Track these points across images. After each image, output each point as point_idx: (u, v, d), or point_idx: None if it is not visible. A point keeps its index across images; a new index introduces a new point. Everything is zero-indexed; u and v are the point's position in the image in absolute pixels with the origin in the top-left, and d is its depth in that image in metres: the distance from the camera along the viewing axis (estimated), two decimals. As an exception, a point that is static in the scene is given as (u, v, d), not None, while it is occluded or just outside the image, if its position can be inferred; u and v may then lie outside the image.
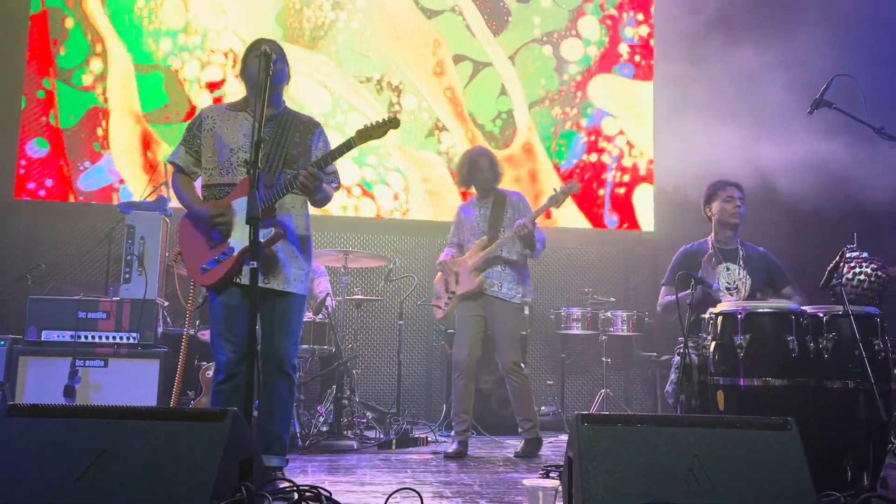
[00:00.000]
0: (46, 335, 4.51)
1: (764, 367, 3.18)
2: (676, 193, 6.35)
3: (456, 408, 4.63)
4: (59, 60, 6.34)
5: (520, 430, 4.63)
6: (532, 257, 4.69)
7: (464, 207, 4.90)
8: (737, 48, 6.05)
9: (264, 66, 2.94)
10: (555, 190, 4.56)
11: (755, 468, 2.35)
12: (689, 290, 3.73)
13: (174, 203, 5.03)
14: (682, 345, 3.65)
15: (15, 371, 4.38)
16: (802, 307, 3.36)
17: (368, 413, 5.37)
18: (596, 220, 7.04)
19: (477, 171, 4.70)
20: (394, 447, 4.82)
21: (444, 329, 6.06)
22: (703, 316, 3.57)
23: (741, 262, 4.14)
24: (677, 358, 3.69)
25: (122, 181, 6.30)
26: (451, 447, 4.51)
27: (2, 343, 4.44)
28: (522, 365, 4.67)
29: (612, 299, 6.39)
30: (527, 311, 5.96)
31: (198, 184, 3.41)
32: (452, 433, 4.67)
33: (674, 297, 3.79)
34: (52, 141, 6.26)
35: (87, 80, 6.36)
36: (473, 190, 4.83)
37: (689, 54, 6.37)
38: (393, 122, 3.25)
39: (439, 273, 4.81)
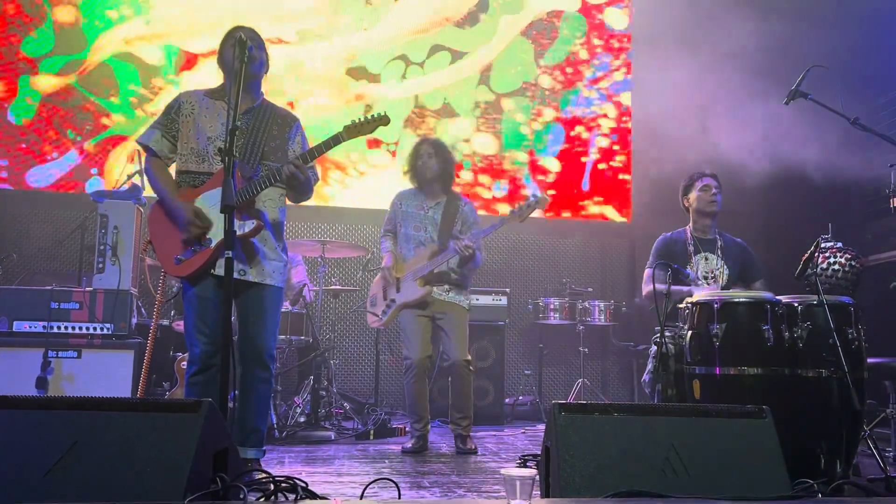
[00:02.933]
0: (17, 326, 4.43)
1: (739, 355, 3.21)
2: (653, 184, 6.38)
3: (413, 408, 4.47)
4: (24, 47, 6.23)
5: (455, 426, 4.46)
6: (471, 272, 4.58)
7: (406, 197, 4.60)
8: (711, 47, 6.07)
9: (239, 55, 2.88)
10: (518, 205, 4.35)
11: (731, 456, 2.37)
12: (664, 285, 3.75)
13: (148, 192, 4.98)
14: (658, 334, 3.67)
15: (-15, 362, 4.31)
16: (778, 297, 3.38)
17: (346, 404, 5.36)
18: (573, 211, 7.05)
19: (417, 159, 4.48)
20: (372, 438, 4.81)
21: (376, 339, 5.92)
22: (680, 305, 3.59)
23: (719, 252, 4.17)
24: (654, 347, 3.70)
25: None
26: (410, 442, 4.42)
27: (-29, 334, 4.36)
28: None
29: (590, 289, 6.41)
30: (504, 301, 5.97)
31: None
32: (409, 428, 4.59)
33: (659, 283, 3.80)
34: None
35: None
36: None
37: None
38: (383, 119, 3.23)
39: (378, 277, 4.61)
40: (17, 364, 4.32)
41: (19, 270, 5.32)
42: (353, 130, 3.21)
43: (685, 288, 3.96)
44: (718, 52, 5.99)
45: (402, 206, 4.58)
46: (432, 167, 4.46)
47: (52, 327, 4.43)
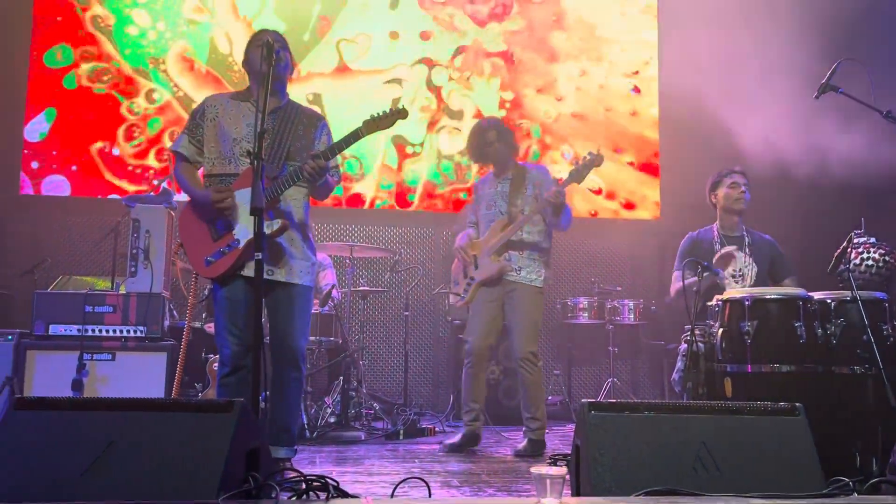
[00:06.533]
0: (53, 329, 4.51)
1: (772, 353, 3.18)
2: (683, 181, 6.32)
3: (465, 397, 4.40)
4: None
5: (525, 427, 4.29)
6: (559, 228, 4.35)
7: (480, 183, 4.60)
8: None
9: (266, 57, 2.92)
10: (576, 163, 4.23)
11: (764, 454, 2.34)
12: (695, 278, 3.72)
13: (179, 196, 5.05)
14: (688, 332, 3.64)
15: (23, 365, 4.38)
16: (810, 293, 3.34)
17: (375, 404, 5.38)
18: (602, 209, 7.01)
19: (485, 145, 4.41)
20: (401, 438, 4.83)
21: (449, 320, 6.04)
22: (710, 303, 3.56)
23: (747, 250, 4.12)
24: (684, 346, 3.68)
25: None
26: (454, 438, 4.33)
27: (10, 338, 4.44)
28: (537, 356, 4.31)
29: (619, 288, 6.38)
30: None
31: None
32: (461, 424, 4.47)
33: (689, 280, 3.76)
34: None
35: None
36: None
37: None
38: (401, 113, 3.24)
39: (456, 259, 4.55)
40: (54, 366, 4.39)
41: (54, 275, 5.41)
42: (373, 125, 3.23)
43: (707, 275, 3.90)
44: (748, 47, 5.93)
45: (477, 193, 4.58)
46: (500, 150, 4.40)
47: (86, 330, 4.50)
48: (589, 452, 2.31)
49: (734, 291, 3.47)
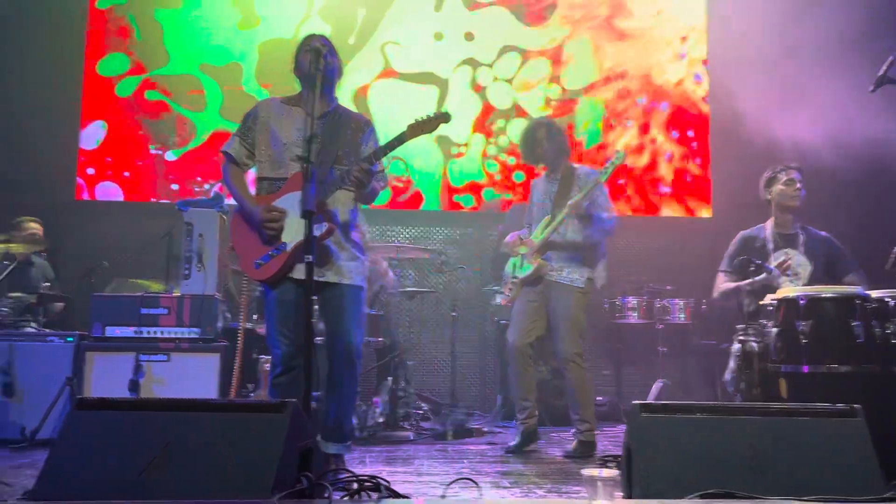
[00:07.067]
0: (110, 331, 4.63)
1: (828, 353, 3.11)
2: (734, 178, 6.21)
3: (515, 395, 4.36)
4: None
5: (574, 429, 4.23)
6: (593, 238, 4.31)
7: (534, 183, 4.61)
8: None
9: (315, 62, 2.96)
10: (603, 167, 4.26)
11: (821, 456, 2.30)
12: (747, 280, 3.66)
13: (230, 200, 5.14)
14: (741, 332, 3.58)
15: (82, 366, 4.51)
16: (867, 292, 3.26)
17: (424, 404, 5.40)
18: (651, 208, 6.94)
19: (534, 144, 4.40)
20: (450, 438, 4.84)
21: (496, 320, 6.04)
22: (763, 303, 3.49)
23: (801, 248, 4.03)
24: (737, 345, 3.61)
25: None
26: (513, 442, 4.29)
27: (70, 339, 4.58)
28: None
29: (669, 287, 6.29)
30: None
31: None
32: (515, 422, 4.44)
33: (732, 283, 3.71)
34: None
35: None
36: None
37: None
38: (444, 117, 3.25)
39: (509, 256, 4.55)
40: (111, 367, 4.52)
41: (110, 278, 5.56)
42: (417, 129, 3.24)
43: (759, 277, 3.83)
44: (800, 39, 5.80)
45: (531, 194, 4.59)
46: (550, 150, 4.39)
47: (142, 332, 4.62)
48: (641, 454, 2.30)
49: (788, 290, 3.40)
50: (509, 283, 4.45)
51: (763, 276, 3.81)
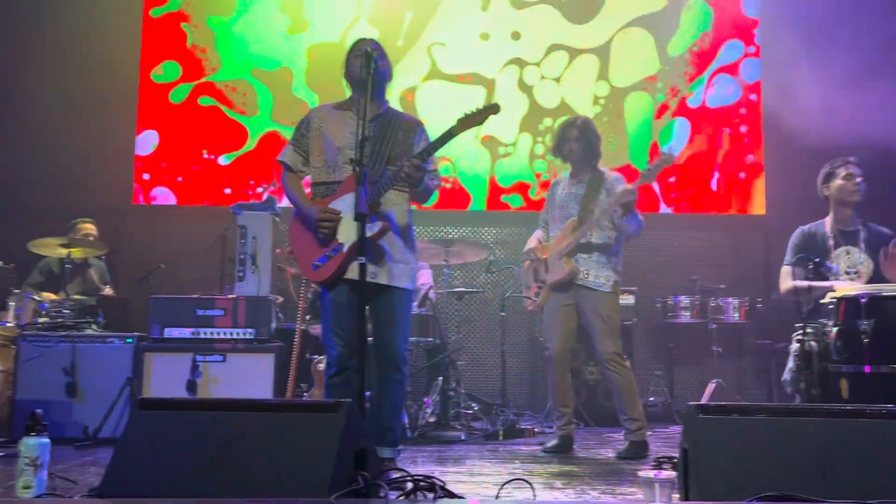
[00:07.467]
0: (168, 332, 4.74)
1: (891, 353, 3.03)
2: (789, 172, 6.09)
3: (553, 402, 4.41)
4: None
5: (624, 429, 4.20)
6: (629, 233, 4.25)
7: (555, 183, 4.54)
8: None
9: (366, 66, 2.99)
10: (648, 165, 4.20)
11: (884, 460, 2.23)
12: (809, 275, 3.59)
13: (282, 203, 5.22)
14: (800, 331, 3.51)
15: (141, 366, 4.63)
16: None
17: (474, 404, 5.41)
18: (703, 205, 6.83)
19: (564, 141, 4.33)
20: (501, 438, 4.83)
21: (529, 321, 6.01)
22: (823, 301, 3.42)
23: (862, 245, 3.92)
24: (796, 345, 3.54)
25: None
26: (551, 441, 4.34)
27: (129, 340, 4.70)
28: (623, 355, 4.25)
29: (722, 286, 6.19)
30: (632, 300, 5.85)
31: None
32: (553, 427, 4.51)
33: (801, 282, 3.64)
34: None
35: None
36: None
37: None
38: (493, 108, 3.25)
39: (527, 261, 4.53)
40: (169, 368, 4.62)
41: (167, 280, 5.68)
42: (466, 122, 3.25)
43: (827, 283, 3.75)
44: (854, 31, 5.65)
45: (551, 192, 4.53)
46: (578, 150, 4.32)
47: (198, 333, 4.72)
48: (698, 456, 2.26)
49: (849, 288, 3.32)
50: (535, 287, 4.43)
51: (829, 282, 3.72)
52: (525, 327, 6.57)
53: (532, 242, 4.51)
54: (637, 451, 4.09)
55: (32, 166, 6.30)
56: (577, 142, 4.30)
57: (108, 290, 5.77)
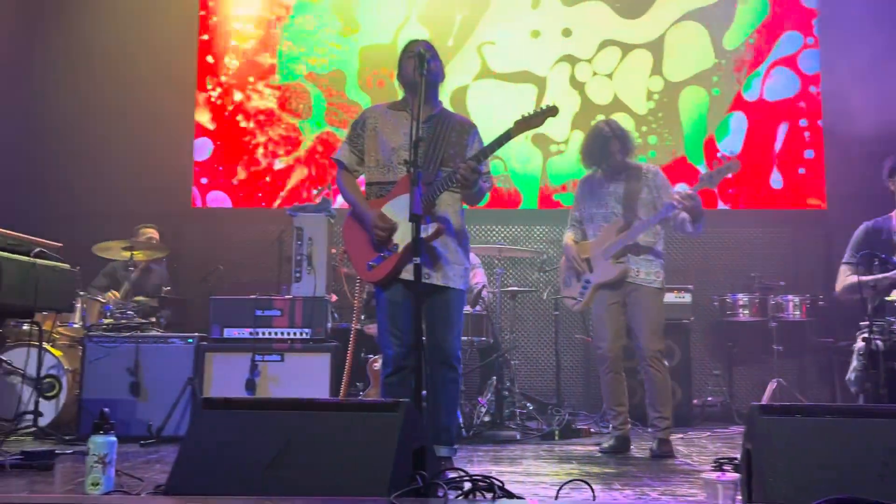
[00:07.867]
0: (228, 332, 4.85)
1: (964, 352, 2.92)
2: (850, 167, 5.92)
3: (608, 402, 4.37)
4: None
5: (652, 427, 4.22)
6: (694, 235, 4.23)
7: (588, 181, 4.43)
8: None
9: (419, 68, 3.01)
10: (709, 169, 4.15)
11: (960, 463, 2.16)
12: (873, 276, 3.48)
13: (336, 204, 5.28)
14: (865, 330, 3.41)
15: (202, 366, 4.74)
16: None
17: (529, 404, 5.39)
18: (761, 201, 6.69)
19: (606, 143, 4.23)
20: (557, 438, 4.81)
21: (582, 320, 5.96)
22: (889, 299, 3.32)
23: (931, 240, 3.80)
24: (861, 344, 3.44)
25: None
26: (608, 442, 4.29)
27: (191, 340, 4.81)
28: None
29: (782, 283, 6.05)
30: (689, 298, 5.75)
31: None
32: (609, 428, 4.47)
33: (857, 277, 3.54)
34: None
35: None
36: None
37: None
38: (551, 111, 3.25)
39: (563, 259, 4.48)
40: (229, 368, 4.72)
41: (226, 281, 5.81)
42: (523, 124, 3.24)
43: (890, 274, 3.63)
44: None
45: (584, 189, 4.46)
46: (618, 150, 4.25)
47: (257, 333, 4.81)
48: (762, 458, 2.22)
49: (917, 285, 3.22)
50: (578, 287, 4.36)
51: (892, 273, 3.61)
52: (579, 326, 6.52)
53: (568, 241, 4.43)
54: (666, 449, 4.10)
55: (96, 174, 6.51)
56: (618, 141, 4.24)
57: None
